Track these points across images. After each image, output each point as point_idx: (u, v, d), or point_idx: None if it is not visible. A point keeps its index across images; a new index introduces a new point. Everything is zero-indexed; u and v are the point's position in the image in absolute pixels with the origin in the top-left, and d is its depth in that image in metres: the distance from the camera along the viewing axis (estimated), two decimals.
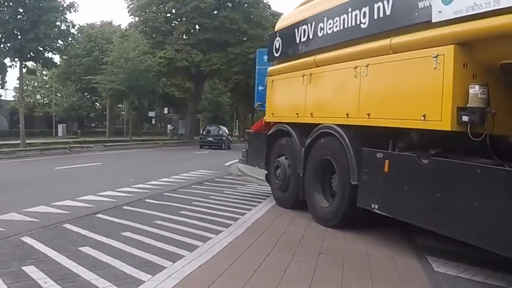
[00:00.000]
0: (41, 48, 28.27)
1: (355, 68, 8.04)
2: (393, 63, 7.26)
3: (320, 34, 9.40)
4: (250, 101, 43.74)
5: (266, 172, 12.07)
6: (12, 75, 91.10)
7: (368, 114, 7.65)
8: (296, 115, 10.09)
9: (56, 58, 34.51)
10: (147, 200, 11.58)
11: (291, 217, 9.65)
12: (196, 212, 9.92)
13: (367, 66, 7.76)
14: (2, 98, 55.92)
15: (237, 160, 24.74)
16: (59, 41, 29.27)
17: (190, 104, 54.00)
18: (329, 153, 8.75)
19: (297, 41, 10.31)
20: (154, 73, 41.33)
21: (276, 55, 11.42)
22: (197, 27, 47.30)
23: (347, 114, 8.21)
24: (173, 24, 47.70)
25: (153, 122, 62.09)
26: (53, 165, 20.34)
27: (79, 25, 57.52)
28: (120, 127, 67.54)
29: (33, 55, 28.33)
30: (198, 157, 29.54)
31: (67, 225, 8.42)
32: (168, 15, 47.63)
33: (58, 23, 28.74)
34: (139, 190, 13.24)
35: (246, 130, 15.15)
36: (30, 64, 31.01)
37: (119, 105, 61.15)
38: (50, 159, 24.26)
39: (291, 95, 10.62)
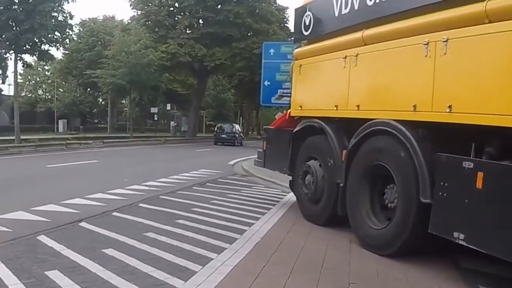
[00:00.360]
0: (36, 40, 27.03)
1: (427, 44, 6.07)
2: (489, 36, 5.31)
3: (370, 3, 7.41)
4: (255, 98, 42.94)
5: (288, 178, 10.20)
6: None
7: (450, 107, 5.66)
8: (335, 108, 8.02)
9: (54, 51, 33.23)
10: (140, 204, 10.28)
11: (307, 228, 8.22)
12: (195, 221, 8.52)
13: (446, 41, 5.79)
14: (4, 93, 54.59)
15: (242, 158, 23.63)
16: (56, 33, 27.94)
17: (193, 101, 52.86)
18: (385, 157, 6.71)
19: (336, 14, 8.25)
20: (156, 67, 40.04)
21: (306, 33, 9.33)
22: (200, 21, 46.11)
23: (414, 107, 6.21)
24: (176, 18, 46.36)
25: (156, 119, 60.82)
26: (46, 162, 19.00)
27: (81, 19, 57.10)
28: (123, 123, 66.45)
29: (28, 47, 27.05)
30: (201, 155, 28.16)
31: (42, 238, 7.09)
32: (171, 8, 46.24)
33: (55, 13, 27.45)
34: (133, 192, 11.93)
35: (265, 127, 12.93)
36: (31, 58, 29.90)
37: (122, 101, 60.20)
38: (44, 156, 22.92)
39: (327, 83, 8.61)
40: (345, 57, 7.83)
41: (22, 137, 29.43)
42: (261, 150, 11.24)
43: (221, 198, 11.29)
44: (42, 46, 28.02)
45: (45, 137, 34.08)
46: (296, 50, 9.94)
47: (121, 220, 8.61)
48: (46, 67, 65.55)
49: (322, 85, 8.85)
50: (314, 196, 8.58)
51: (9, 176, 14.75)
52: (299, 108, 9.49)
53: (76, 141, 31.75)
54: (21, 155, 23.62)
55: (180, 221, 8.49)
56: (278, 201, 11.05)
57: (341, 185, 7.67)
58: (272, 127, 11.08)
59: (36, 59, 29.83)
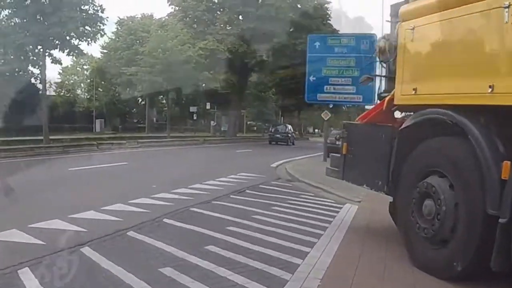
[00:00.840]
0: (65, 34, 25.73)
1: None
2: None
3: None
4: (297, 96, 41.11)
5: (347, 184, 7.89)
6: (53, 70, 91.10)
7: None
8: (489, 90, 4.98)
9: (85, 46, 31.99)
10: (165, 219, 8.41)
11: (379, 261, 6.05)
12: (230, 248, 6.47)
13: None
14: (41, 92, 54.39)
15: (285, 160, 21.63)
16: (87, 27, 26.52)
17: (233, 99, 51.21)
18: None
19: None
20: (194, 65, 38.44)
21: None
22: (240, 17, 44.55)
23: None
24: (215, 14, 44.79)
25: (195, 118, 59.50)
26: (70, 165, 17.35)
27: (119, 17, 56.35)
28: (163, 123, 65.51)
29: (57, 42, 25.69)
30: (241, 156, 26.29)
31: (23, 272, 5.33)
32: (210, 4, 44.69)
33: (86, 6, 26.02)
34: (160, 202, 10.10)
35: (345, 122, 8.87)
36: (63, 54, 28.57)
37: (162, 101, 59.28)
38: (70, 158, 21.52)
39: (469, 49, 5.51)
40: (509, 6, 4.88)
41: (56, 137, 28.32)
42: (337, 155, 8.18)
43: (264, 212, 9.23)
44: (72, 41, 26.69)
45: (76, 137, 32.86)
46: (403, 8, 6.80)
47: (136, 244, 6.70)
48: (85, 67, 65.43)
49: (457, 55, 5.70)
50: (438, 234, 5.52)
51: (20, 181, 12.21)
52: (412, 92, 6.30)
53: (108, 141, 30.33)
54: (46, 156, 22.14)
55: (211, 247, 6.47)
56: (333, 216, 8.96)
57: (500, 220, 4.64)
58: (360, 122, 8.02)
59: (66, 55, 28.33)
